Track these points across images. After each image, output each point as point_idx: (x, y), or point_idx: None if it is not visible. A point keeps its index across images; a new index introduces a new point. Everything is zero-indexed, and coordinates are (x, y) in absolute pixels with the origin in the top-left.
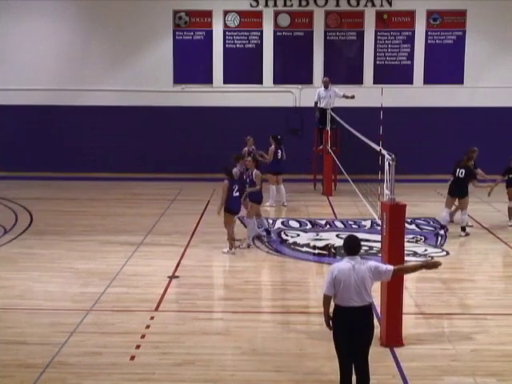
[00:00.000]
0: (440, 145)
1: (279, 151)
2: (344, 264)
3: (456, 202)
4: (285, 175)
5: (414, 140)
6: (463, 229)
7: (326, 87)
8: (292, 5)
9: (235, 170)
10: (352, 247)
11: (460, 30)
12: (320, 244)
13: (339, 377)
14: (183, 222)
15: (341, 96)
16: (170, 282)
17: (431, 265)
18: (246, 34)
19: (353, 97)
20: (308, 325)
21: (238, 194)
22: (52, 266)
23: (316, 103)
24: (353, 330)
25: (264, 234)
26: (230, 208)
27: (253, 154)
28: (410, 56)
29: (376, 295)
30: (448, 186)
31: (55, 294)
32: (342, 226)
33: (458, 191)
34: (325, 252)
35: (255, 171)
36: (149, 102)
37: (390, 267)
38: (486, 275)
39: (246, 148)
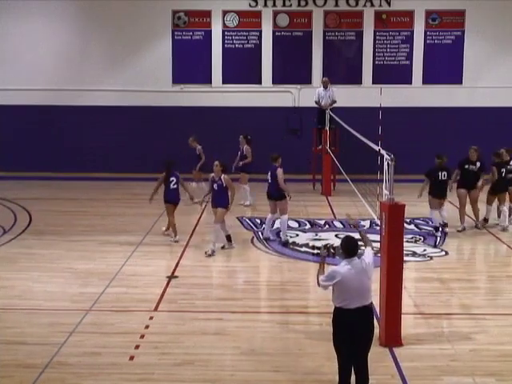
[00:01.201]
0: (439, 145)
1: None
2: (343, 267)
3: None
4: (286, 175)
5: (414, 140)
6: (446, 225)
7: (325, 87)
8: (291, 5)
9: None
10: (351, 249)
11: (459, 30)
12: (319, 244)
13: (338, 377)
14: (183, 222)
15: (333, 99)
16: (169, 282)
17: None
18: (244, 34)
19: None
20: (307, 325)
21: (175, 186)
22: (51, 266)
23: (317, 102)
24: (354, 331)
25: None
26: (167, 199)
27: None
28: (409, 56)
29: (375, 295)
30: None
31: (55, 294)
32: (341, 226)
33: (442, 193)
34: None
35: (223, 176)
36: (148, 102)
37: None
38: (485, 275)
39: (200, 148)
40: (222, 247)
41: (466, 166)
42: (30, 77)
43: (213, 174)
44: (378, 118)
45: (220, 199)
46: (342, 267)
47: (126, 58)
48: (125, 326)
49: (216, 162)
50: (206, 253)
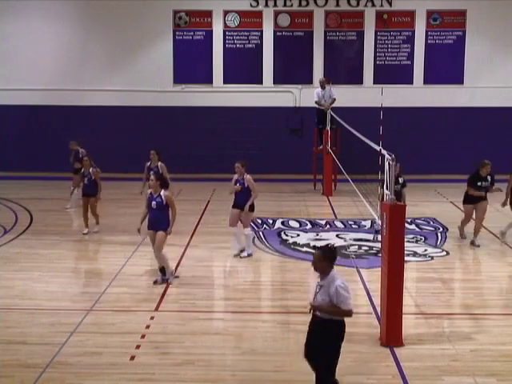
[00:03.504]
0: (440, 145)
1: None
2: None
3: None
4: (287, 175)
5: (414, 140)
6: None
7: (322, 87)
8: (292, 5)
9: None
10: (336, 256)
11: (460, 30)
12: (320, 244)
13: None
14: (183, 222)
15: (333, 98)
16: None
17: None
18: (245, 33)
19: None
20: (308, 325)
21: None
22: (52, 265)
23: (318, 103)
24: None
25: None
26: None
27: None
28: (410, 56)
29: (376, 295)
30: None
31: (55, 294)
32: (342, 226)
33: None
34: None
35: (164, 192)
36: (149, 102)
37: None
38: (486, 275)
39: (83, 150)
40: (155, 282)
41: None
42: (29, 77)
43: (150, 190)
44: (379, 117)
45: (160, 220)
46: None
47: (127, 58)
48: (125, 326)
49: (152, 177)
50: (154, 282)
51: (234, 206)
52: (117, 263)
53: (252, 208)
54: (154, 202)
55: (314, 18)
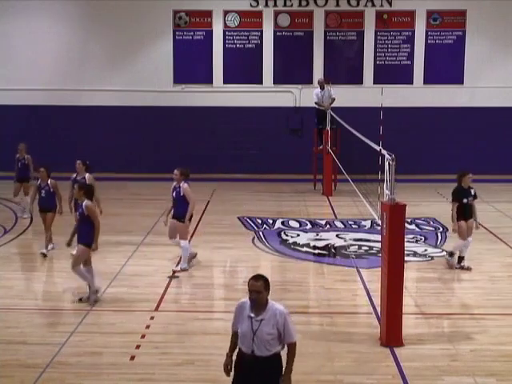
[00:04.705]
0: (440, 145)
1: None
2: None
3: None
4: (287, 175)
5: (414, 140)
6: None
7: (321, 88)
8: (292, 5)
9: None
10: None
11: (460, 30)
12: (320, 244)
13: None
14: None
15: (332, 98)
16: (169, 281)
17: None
18: (245, 33)
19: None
20: (308, 325)
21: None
22: (52, 265)
23: (318, 103)
24: None
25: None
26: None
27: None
28: (410, 56)
29: (376, 295)
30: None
31: (55, 294)
32: (342, 226)
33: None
34: (325, 252)
35: (86, 202)
36: (149, 102)
37: None
38: (486, 275)
39: (28, 156)
40: (80, 299)
41: None
42: (29, 77)
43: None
44: (379, 117)
45: (82, 233)
46: None
47: (127, 57)
48: (125, 326)
49: (76, 185)
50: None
51: (172, 217)
52: (117, 263)
53: (190, 218)
54: (77, 213)
55: (314, 18)
